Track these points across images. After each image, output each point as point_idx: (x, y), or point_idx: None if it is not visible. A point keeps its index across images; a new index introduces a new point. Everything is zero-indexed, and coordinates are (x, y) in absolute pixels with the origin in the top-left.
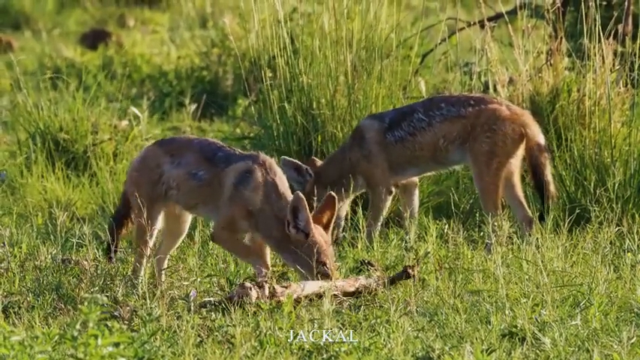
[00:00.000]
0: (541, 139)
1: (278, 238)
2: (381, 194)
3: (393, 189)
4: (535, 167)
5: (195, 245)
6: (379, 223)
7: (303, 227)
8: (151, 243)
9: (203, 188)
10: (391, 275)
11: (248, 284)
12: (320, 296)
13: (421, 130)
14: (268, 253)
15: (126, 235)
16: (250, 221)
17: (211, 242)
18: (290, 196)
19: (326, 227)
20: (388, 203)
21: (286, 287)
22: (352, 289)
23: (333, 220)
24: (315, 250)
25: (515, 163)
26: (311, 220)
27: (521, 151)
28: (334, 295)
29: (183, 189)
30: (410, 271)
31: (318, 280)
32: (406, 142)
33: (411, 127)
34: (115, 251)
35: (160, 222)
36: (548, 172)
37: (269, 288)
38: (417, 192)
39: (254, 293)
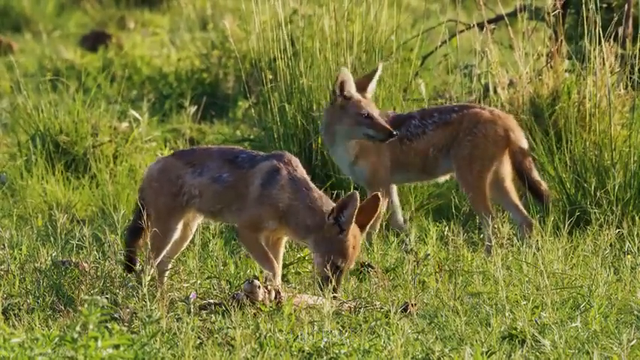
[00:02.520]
0: (524, 143)
1: (311, 225)
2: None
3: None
4: (520, 172)
5: (195, 247)
6: (378, 225)
7: (342, 223)
8: (163, 252)
9: (228, 190)
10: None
11: (257, 282)
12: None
13: (416, 137)
14: (281, 261)
15: (144, 245)
16: (280, 220)
17: (211, 245)
18: (319, 192)
19: (362, 227)
20: (387, 204)
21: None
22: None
23: (371, 222)
24: (338, 247)
25: (504, 168)
26: (353, 221)
27: (507, 156)
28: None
29: (206, 195)
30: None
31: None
32: (404, 145)
33: (408, 131)
34: (135, 262)
35: (177, 232)
36: (535, 174)
37: (275, 291)
38: (395, 193)
39: (261, 292)
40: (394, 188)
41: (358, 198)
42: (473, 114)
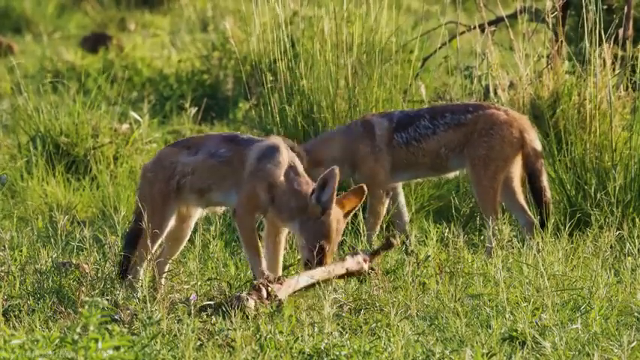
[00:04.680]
0: (537, 145)
1: (293, 208)
2: (380, 197)
3: (390, 191)
4: (531, 173)
5: (196, 249)
6: (378, 227)
7: (324, 202)
8: (155, 245)
9: (222, 166)
10: (375, 249)
11: (244, 294)
12: (313, 285)
13: (426, 137)
14: (281, 258)
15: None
16: (269, 195)
17: (211, 247)
18: (307, 178)
19: (347, 213)
20: (386, 206)
21: (281, 283)
22: (342, 271)
23: (355, 209)
24: (322, 229)
25: (515, 169)
26: (334, 199)
27: (519, 157)
28: (327, 280)
29: (199, 171)
30: (392, 240)
31: (312, 258)
32: (411, 146)
33: (417, 132)
34: (128, 268)
35: (171, 222)
36: (544, 179)
37: (266, 290)
38: (402, 193)
39: (251, 302)
40: (401, 192)
41: (337, 174)
42: (489, 115)
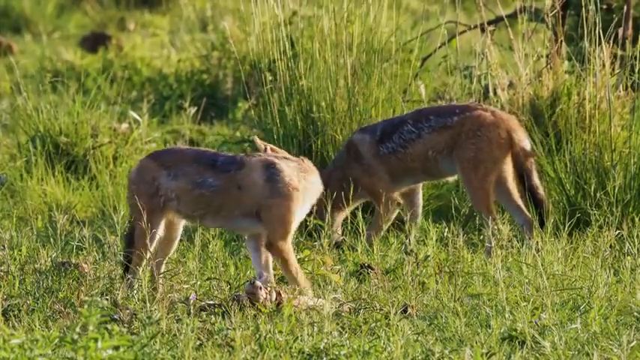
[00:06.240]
0: (526, 144)
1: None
2: (380, 197)
3: (400, 199)
4: (521, 173)
5: (195, 248)
6: (380, 228)
7: None
8: (152, 248)
9: (216, 195)
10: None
11: (258, 283)
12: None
13: (411, 142)
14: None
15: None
16: (303, 205)
17: (211, 246)
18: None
19: None
20: (394, 214)
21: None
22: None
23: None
24: None
25: (507, 169)
26: None
27: (509, 157)
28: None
29: (185, 200)
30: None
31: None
32: (398, 153)
33: (401, 138)
34: (129, 269)
35: (161, 228)
36: (536, 177)
37: (276, 292)
38: (420, 192)
39: (263, 293)
40: (419, 192)
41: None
42: (476, 116)
